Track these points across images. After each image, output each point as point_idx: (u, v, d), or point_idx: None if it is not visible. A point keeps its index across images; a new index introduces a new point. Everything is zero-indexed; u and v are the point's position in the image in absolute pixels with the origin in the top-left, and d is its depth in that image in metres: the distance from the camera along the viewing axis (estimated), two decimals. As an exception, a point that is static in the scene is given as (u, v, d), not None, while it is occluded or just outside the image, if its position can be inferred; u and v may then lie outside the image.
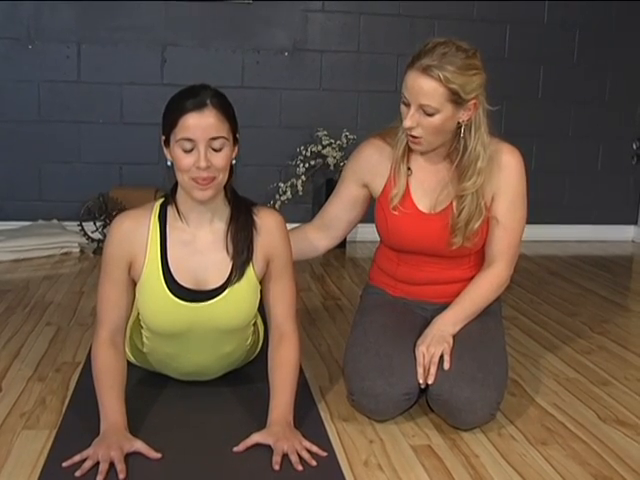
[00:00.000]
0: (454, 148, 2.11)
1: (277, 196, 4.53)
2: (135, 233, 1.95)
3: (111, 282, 1.97)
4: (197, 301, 1.97)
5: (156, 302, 1.97)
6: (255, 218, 2.01)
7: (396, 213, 2.18)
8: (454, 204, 2.12)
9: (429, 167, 2.18)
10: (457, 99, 1.99)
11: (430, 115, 2.00)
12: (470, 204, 2.10)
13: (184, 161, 1.85)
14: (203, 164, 1.83)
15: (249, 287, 2.00)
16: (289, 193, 4.49)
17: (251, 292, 2.01)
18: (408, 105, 2.01)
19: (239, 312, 2.02)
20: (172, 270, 1.96)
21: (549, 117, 4.88)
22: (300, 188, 4.46)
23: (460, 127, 2.06)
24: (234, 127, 1.92)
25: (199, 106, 1.82)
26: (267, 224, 2.02)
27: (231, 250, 1.97)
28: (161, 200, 2.01)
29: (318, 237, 2.37)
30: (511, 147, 2.17)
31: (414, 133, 2.03)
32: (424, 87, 1.97)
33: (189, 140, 1.83)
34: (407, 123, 2.01)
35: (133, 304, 2.03)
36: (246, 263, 1.98)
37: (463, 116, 2.04)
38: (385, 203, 2.20)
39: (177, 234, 1.97)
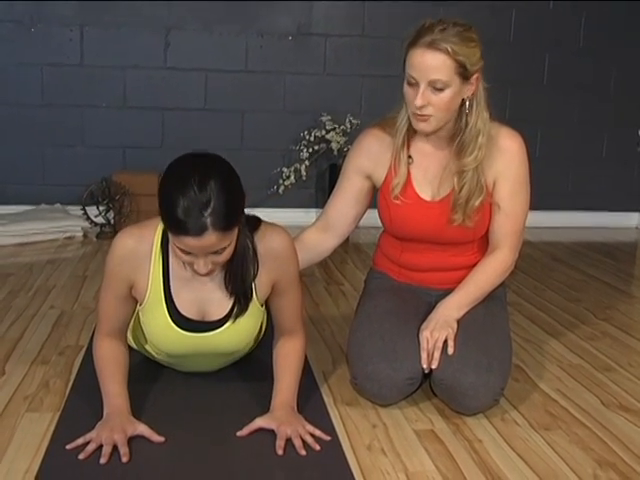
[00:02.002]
0: (455, 129, 2.10)
1: (280, 181, 4.52)
2: (137, 256, 1.89)
3: (112, 294, 1.94)
4: (200, 331, 1.95)
5: (159, 330, 1.96)
6: (258, 246, 1.91)
7: (398, 202, 2.17)
8: (455, 180, 2.10)
9: (431, 154, 2.16)
10: (463, 72, 1.98)
11: (440, 90, 1.98)
12: (471, 181, 2.08)
13: (184, 258, 1.78)
14: (203, 270, 1.78)
15: (252, 314, 1.97)
16: (292, 178, 4.48)
17: (255, 318, 1.99)
18: (416, 84, 1.99)
19: (242, 339, 2.02)
20: (175, 301, 1.93)
21: (554, 103, 4.86)
22: (304, 173, 4.46)
23: (464, 104, 2.05)
24: (239, 225, 1.80)
25: (199, 232, 1.67)
26: (272, 249, 1.93)
27: (231, 291, 1.93)
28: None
29: (324, 238, 2.33)
30: (512, 131, 2.15)
31: (424, 112, 2.01)
32: (433, 61, 1.96)
33: (188, 253, 1.75)
34: (418, 102, 1.98)
35: (135, 311, 2.02)
36: (248, 300, 1.94)
37: (467, 91, 2.03)
38: (387, 193, 2.19)
39: (179, 269, 1.92)
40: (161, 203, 1.72)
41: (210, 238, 1.68)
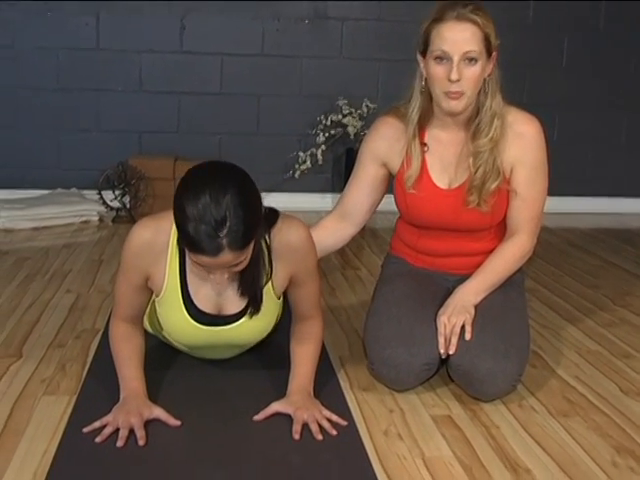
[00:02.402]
0: (472, 111, 2.07)
1: (297, 165, 4.50)
2: (154, 249, 1.86)
3: (127, 283, 1.93)
4: (216, 325, 1.94)
5: (175, 322, 1.95)
6: (275, 240, 1.88)
7: (414, 192, 2.15)
8: (470, 161, 2.08)
9: (446, 141, 2.13)
10: (488, 46, 1.97)
11: (473, 64, 1.95)
12: (486, 163, 2.05)
13: (200, 268, 1.77)
14: (219, 281, 1.78)
15: (268, 308, 1.95)
16: (309, 162, 4.46)
17: (271, 311, 1.98)
18: (447, 60, 1.96)
19: (259, 332, 2.01)
20: (192, 295, 1.91)
21: (573, 87, 4.80)
22: (320, 157, 4.43)
23: (483, 84, 2.03)
24: (256, 239, 1.76)
25: (214, 252, 1.64)
26: (289, 244, 1.89)
27: (243, 294, 1.90)
28: None
29: (341, 227, 2.31)
30: (529, 116, 2.12)
31: (457, 88, 1.97)
32: (465, 33, 1.94)
33: (203, 267, 1.73)
34: (454, 75, 1.94)
35: (151, 299, 2.01)
36: (259, 303, 1.91)
37: (488, 69, 2.01)
38: (402, 182, 2.17)
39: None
40: (176, 217, 1.68)
41: (226, 257, 1.66)
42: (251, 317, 1.93)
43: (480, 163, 2.06)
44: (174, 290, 1.90)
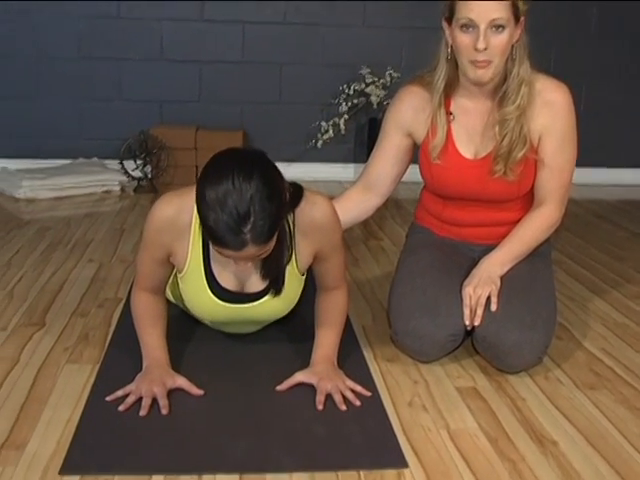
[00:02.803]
0: (499, 79, 2.02)
1: (319, 135, 4.46)
2: (177, 226, 1.83)
3: (149, 257, 1.90)
4: (239, 303, 1.92)
5: (197, 299, 1.93)
6: (299, 218, 1.84)
7: (439, 162, 2.11)
8: (497, 129, 2.03)
9: (473, 110, 2.09)
10: (516, 12, 1.92)
11: (500, 31, 1.90)
12: (513, 131, 2.01)
13: (222, 257, 1.74)
14: (242, 268, 1.78)
15: (292, 285, 1.92)
16: (331, 132, 4.42)
17: (295, 288, 1.95)
18: (475, 27, 1.90)
19: (282, 309, 1.98)
20: (215, 273, 1.89)
21: (601, 55, 4.69)
22: (342, 127, 4.39)
23: (511, 50, 1.97)
24: (279, 232, 1.72)
25: (238, 247, 1.61)
26: (313, 221, 1.85)
27: (264, 276, 1.88)
28: None
29: (366, 199, 2.28)
30: (558, 83, 2.07)
31: (484, 57, 1.92)
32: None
33: (226, 256, 1.70)
34: (481, 45, 1.90)
35: (173, 272, 1.99)
36: (281, 285, 1.89)
37: (516, 35, 1.96)
38: (427, 152, 2.13)
39: None
40: (198, 208, 1.64)
41: (250, 251, 1.63)
42: (274, 296, 1.91)
43: (506, 131, 2.02)
44: (197, 268, 1.88)
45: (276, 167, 1.69)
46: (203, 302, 1.92)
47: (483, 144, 2.08)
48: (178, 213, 1.82)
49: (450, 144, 2.09)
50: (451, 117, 2.08)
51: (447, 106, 2.08)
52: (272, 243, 1.68)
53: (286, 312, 2.01)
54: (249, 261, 1.73)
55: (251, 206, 1.57)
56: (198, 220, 1.75)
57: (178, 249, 1.86)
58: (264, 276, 1.87)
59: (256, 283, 1.90)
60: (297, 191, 1.85)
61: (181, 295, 2.00)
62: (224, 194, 1.58)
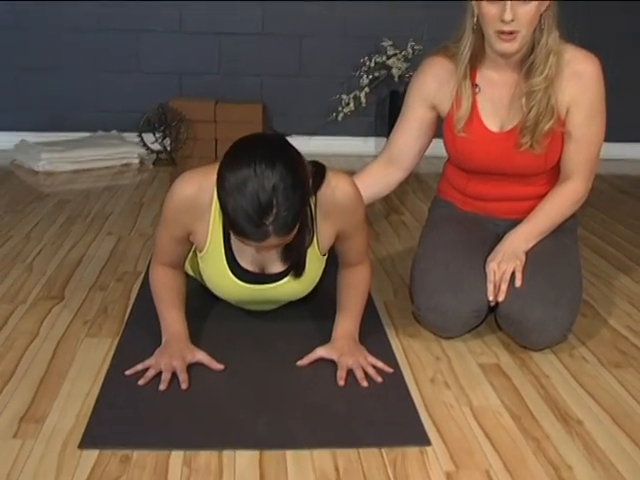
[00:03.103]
0: (527, 50, 1.96)
1: (340, 108, 4.41)
2: (197, 207, 1.79)
3: (168, 234, 1.87)
4: (260, 283, 1.89)
5: (218, 279, 1.91)
6: (321, 199, 1.79)
7: (464, 135, 2.06)
8: (523, 101, 1.98)
9: (499, 82, 2.03)
10: None
11: (527, 1, 1.85)
12: (540, 102, 1.96)
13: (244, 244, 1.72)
14: (264, 254, 1.78)
15: (313, 265, 1.89)
16: (352, 105, 4.37)
17: (316, 268, 1.91)
18: None
19: (303, 289, 1.95)
20: (235, 254, 1.85)
21: (629, 24, 4.58)
22: (363, 100, 4.34)
23: (541, 19, 1.92)
24: (302, 219, 1.70)
25: (259, 239, 1.58)
26: (335, 202, 1.80)
27: (284, 260, 1.85)
28: None
29: (388, 173, 2.24)
30: (588, 54, 2.01)
31: (511, 28, 1.86)
32: None
33: (247, 245, 1.67)
34: (507, 16, 1.84)
35: (192, 249, 1.96)
36: (302, 269, 1.86)
37: (544, 5, 1.90)
38: (452, 125, 2.08)
39: None
40: (219, 197, 1.60)
41: (271, 242, 1.60)
42: (294, 278, 1.88)
43: (533, 103, 1.97)
44: (217, 248, 1.85)
45: (299, 153, 1.65)
46: (223, 282, 1.90)
47: (509, 117, 2.03)
48: (198, 193, 1.78)
49: (475, 117, 2.04)
50: (477, 89, 2.03)
51: (472, 78, 2.03)
52: (295, 232, 1.64)
53: (307, 292, 1.99)
54: (270, 250, 1.71)
55: (274, 197, 1.53)
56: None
57: (198, 228, 1.83)
58: (285, 260, 1.84)
59: (277, 264, 1.87)
60: (319, 172, 1.80)
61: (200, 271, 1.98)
62: (246, 184, 1.53)
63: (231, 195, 1.55)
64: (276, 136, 1.67)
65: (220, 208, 1.63)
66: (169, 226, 1.85)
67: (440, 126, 2.17)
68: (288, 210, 1.55)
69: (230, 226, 1.62)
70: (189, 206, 1.78)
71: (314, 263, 1.89)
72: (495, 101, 2.04)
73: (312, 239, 1.84)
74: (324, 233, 1.85)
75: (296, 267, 1.86)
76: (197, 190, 1.77)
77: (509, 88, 2.02)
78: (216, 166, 1.67)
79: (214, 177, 1.65)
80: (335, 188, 1.80)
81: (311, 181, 1.71)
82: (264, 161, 1.54)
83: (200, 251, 1.88)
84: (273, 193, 1.53)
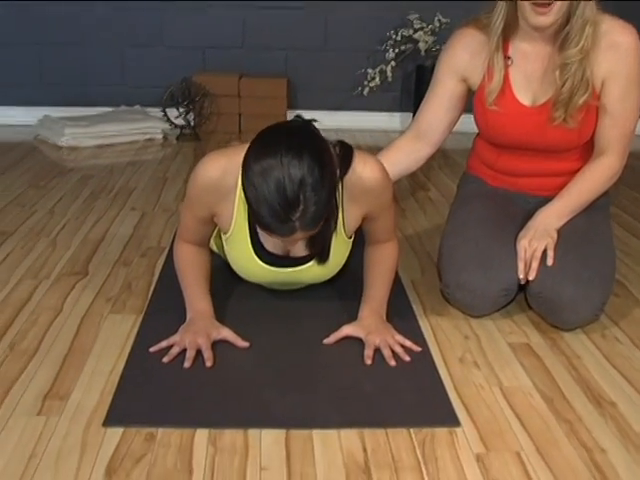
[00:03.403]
0: (562, 21, 1.90)
1: (365, 82, 4.34)
2: (221, 190, 1.74)
3: (192, 214, 1.84)
4: (285, 266, 1.86)
5: (242, 262, 1.87)
6: (349, 183, 1.73)
7: (495, 108, 2.00)
8: (557, 74, 1.92)
9: (532, 54, 1.97)
10: None
11: None
12: (574, 75, 1.89)
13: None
14: (290, 247, 1.78)
15: (339, 249, 1.85)
16: (378, 79, 4.30)
17: (341, 251, 1.88)
18: None
19: (328, 272, 1.92)
20: (260, 237, 1.81)
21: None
22: (389, 74, 4.27)
23: None
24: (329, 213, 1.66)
25: (285, 234, 1.55)
26: (363, 186, 1.74)
27: (310, 249, 1.82)
28: None
29: (417, 148, 2.18)
30: (626, 25, 1.94)
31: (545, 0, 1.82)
32: None
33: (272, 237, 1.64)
34: None
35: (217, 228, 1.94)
36: (327, 256, 1.83)
37: None
38: (483, 98, 2.02)
39: None
40: (244, 189, 1.56)
41: (297, 236, 1.57)
42: (319, 263, 1.85)
43: (568, 76, 1.91)
44: (242, 230, 1.81)
45: (327, 142, 1.60)
46: (248, 264, 1.87)
47: (542, 90, 1.97)
48: (223, 175, 1.73)
49: (507, 90, 1.99)
50: (509, 61, 1.98)
51: (505, 50, 1.97)
52: (322, 224, 1.61)
53: (332, 275, 1.95)
54: (296, 242, 1.69)
55: (301, 192, 1.49)
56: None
57: (222, 211, 1.79)
58: (310, 248, 1.81)
59: (302, 248, 1.83)
60: (346, 156, 1.74)
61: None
62: (272, 177, 1.49)
63: (256, 189, 1.51)
64: (303, 125, 1.61)
65: (246, 201, 1.59)
66: (193, 206, 1.82)
67: (470, 100, 2.12)
68: (316, 205, 1.51)
69: (255, 219, 1.58)
70: (213, 188, 1.75)
71: (340, 247, 1.85)
72: (528, 74, 1.98)
73: (337, 223, 1.80)
74: (350, 216, 1.81)
75: (320, 254, 1.82)
76: (222, 172, 1.73)
77: (542, 60, 1.96)
78: (241, 147, 1.64)
79: (239, 159, 1.61)
80: (362, 172, 1.74)
81: (338, 170, 1.66)
82: (290, 153, 1.49)
83: (225, 233, 1.85)
84: (300, 188, 1.48)
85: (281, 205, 1.49)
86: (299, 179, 1.48)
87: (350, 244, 1.90)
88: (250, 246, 1.82)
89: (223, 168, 1.73)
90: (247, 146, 1.62)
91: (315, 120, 1.65)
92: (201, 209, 1.81)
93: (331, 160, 1.58)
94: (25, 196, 2.97)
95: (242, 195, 1.72)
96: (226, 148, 1.81)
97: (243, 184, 1.56)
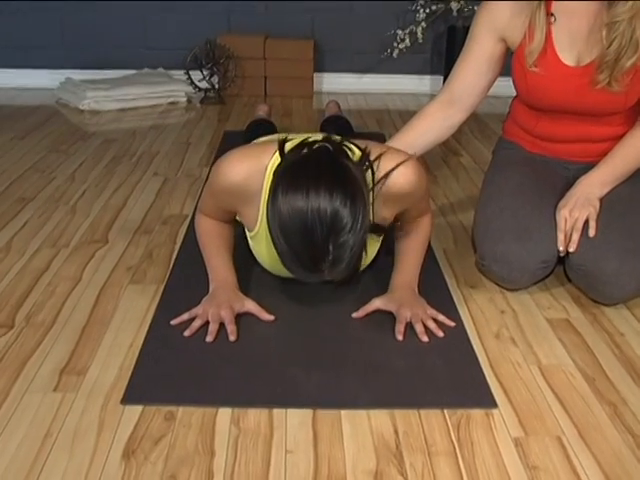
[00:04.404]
0: None
1: (395, 44, 4.20)
2: (246, 193, 1.64)
3: (215, 203, 1.75)
4: None
5: (268, 258, 1.77)
6: (380, 189, 1.60)
7: (536, 70, 1.88)
8: (604, 34, 1.80)
9: (577, 11, 1.84)
10: None
11: None
12: (622, 35, 1.76)
13: None
14: None
15: (369, 247, 1.69)
16: (408, 41, 4.16)
17: (372, 249, 1.77)
18: None
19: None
20: None
21: None
22: (420, 36, 4.13)
23: None
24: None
25: (314, 280, 1.54)
26: (397, 192, 1.63)
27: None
28: (277, 162, 1.57)
29: (449, 115, 2.05)
30: None
31: None
32: None
33: None
34: None
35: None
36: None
37: None
38: (523, 59, 1.90)
39: None
40: (270, 230, 1.46)
41: (326, 279, 1.50)
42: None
43: (615, 35, 1.78)
44: (267, 231, 1.70)
45: (357, 171, 1.47)
46: (273, 261, 1.75)
47: (587, 50, 1.85)
48: (247, 180, 1.62)
49: (550, 49, 1.87)
50: (552, 18, 1.85)
51: (548, 6, 1.85)
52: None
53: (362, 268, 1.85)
54: None
55: (330, 243, 1.40)
56: (270, 181, 1.58)
57: (246, 212, 1.70)
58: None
59: None
60: (378, 151, 1.61)
61: None
62: (298, 228, 1.40)
63: (282, 238, 1.43)
64: (331, 158, 1.47)
65: (272, 244, 1.50)
66: (216, 198, 1.73)
67: (507, 62, 2.00)
68: (346, 254, 1.42)
69: (281, 260, 1.49)
70: (236, 192, 1.65)
71: (370, 245, 1.73)
72: (572, 32, 1.86)
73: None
74: (381, 217, 1.68)
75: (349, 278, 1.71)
76: (245, 177, 1.62)
77: (588, 18, 1.83)
78: (266, 148, 1.59)
79: (265, 161, 1.56)
80: (395, 179, 1.61)
81: (370, 182, 1.55)
82: (318, 200, 1.38)
83: (249, 231, 1.75)
84: (330, 239, 1.40)
85: (309, 258, 1.42)
86: (328, 229, 1.39)
87: (380, 240, 1.78)
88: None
89: (247, 172, 1.62)
90: (273, 147, 1.56)
91: (345, 138, 1.57)
92: (224, 204, 1.73)
93: (363, 197, 1.44)
94: (45, 161, 2.90)
95: (268, 198, 1.61)
96: (250, 147, 1.71)
97: (269, 222, 1.47)
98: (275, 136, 1.73)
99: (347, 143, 1.58)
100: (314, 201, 1.38)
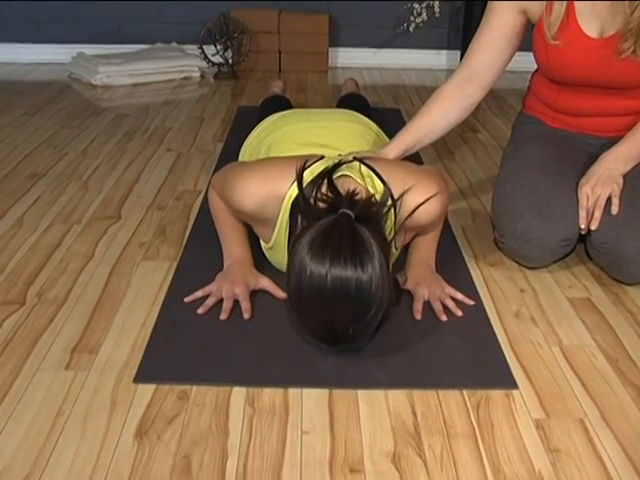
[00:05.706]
0: None
1: (411, 18, 4.14)
2: (261, 218, 1.61)
3: (227, 209, 1.74)
4: None
5: (283, 266, 1.67)
6: (400, 215, 1.53)
7: (557, 42, 1.82)
8: (627, 2, 1.73)
9: None
10: None
11: None
12: None
13: None
14: None
15: None
16: (424, 15, 4.09)
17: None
18: None
19: None
20: None
21: None
22: (437, 10, 4.05)
23: None
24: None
25: (334, 351, 1.46)
26: (419, 220, 1.57)
27: None
28: (295, 194, 1.54)
29: (467, 94, 1.94)
30: None
31: None
32: None
33: None
34: None
35: None
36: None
37: None
38: (544, 30, 1.83)
39: None
40: (289, 297, 1.40)
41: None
42: None
43: (639, 2, 1.72)
44: (282, 247, 1.64)
45: (386, 251, 1.38)
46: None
47: (611, 20, 1.79)
48: (265, 205, 1.57)
49: (572, 20, 1.81)
50: (574, -11, 1.80)
51: (570, -24, 1.79)
52: None
53: None
54: None
55: (351, 326, 1.35)
56: (287, 214, 1.55)
57: (261, 230, 1.67)
58: None
59: None
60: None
61: None
62: (317, 312, 1.34)
63: (303, 314, 1.38)
64: (353, 236, 1.34)
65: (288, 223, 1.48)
66: (230, 210, 1.72)
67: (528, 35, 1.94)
68: (366, 329, 1.38)
69: (304, 330, 1.44)
70: (250, 215, 1.62)
71: None
72: (595, 3, 1.80)
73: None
74: (400, 240, 1.63)
75: None
76: (262, 205, 1.57)
77: (611, -13, 1.78)
78: (287, 174, 1.54)
79: (283, 189, 1.54)
80: (419, 215, 1.55)
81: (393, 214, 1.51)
82: (337, 286, 1.30)
83: (266, 242, 1.70)
84: (350, 321, 1.34)
85: (330, 335, 1.38)
86: (349, 314, 1.33)
87: (397, 252, 1.71)
88: None
89: (264, 201, 1.57)
90: (292, 173, 1.52)
91: (367, 168, 1.55)
92: (237, 216, 1.73)
93: (384, 281, 1.35)
94: (57, 137, 2.87)
95: (285, 222, 1.58)
96: (269, 168, 1.61)
97: (289, 294, 1.41)
98: (294, 156, 1.65)
99: (371, 176, 1.54)
100: (332, 288, 1.30)
